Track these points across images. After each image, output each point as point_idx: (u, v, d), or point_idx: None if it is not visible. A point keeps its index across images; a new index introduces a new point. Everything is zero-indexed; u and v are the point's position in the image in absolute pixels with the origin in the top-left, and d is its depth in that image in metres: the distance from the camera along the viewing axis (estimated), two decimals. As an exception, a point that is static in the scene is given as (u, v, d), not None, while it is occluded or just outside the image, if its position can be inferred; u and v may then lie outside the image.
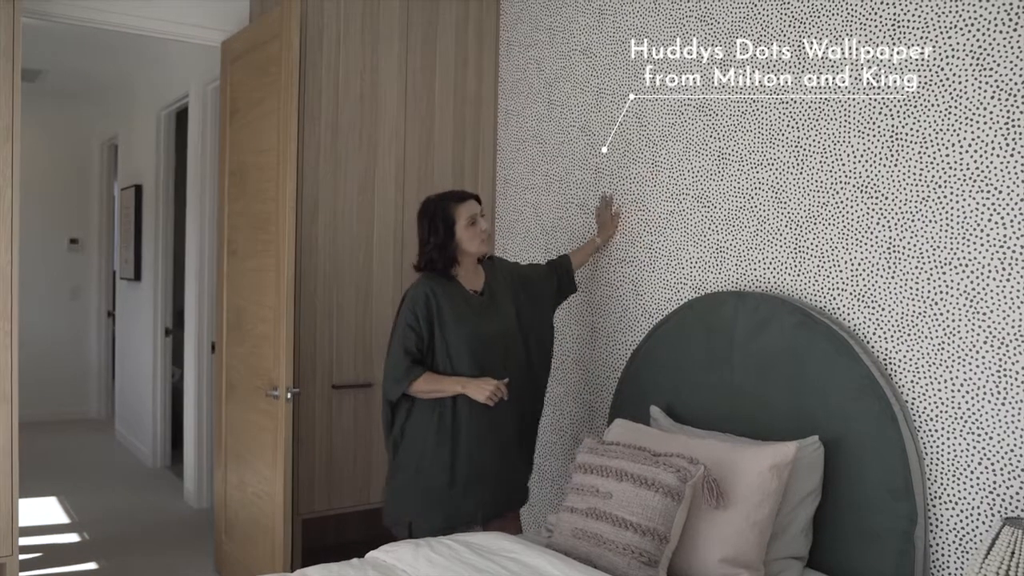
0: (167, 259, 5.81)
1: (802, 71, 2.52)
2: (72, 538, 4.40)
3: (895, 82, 2.27)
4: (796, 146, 2.54)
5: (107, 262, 7.48)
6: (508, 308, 2.84)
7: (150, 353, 5.87)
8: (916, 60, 2.22)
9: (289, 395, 3.09)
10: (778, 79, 2.58)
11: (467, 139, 3.80)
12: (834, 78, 2.43)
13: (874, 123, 2.33)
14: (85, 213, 7.56)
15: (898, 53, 2.27)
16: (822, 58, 2.46)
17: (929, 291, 2.19)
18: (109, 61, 5.95)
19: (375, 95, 3.53)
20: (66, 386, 7.47)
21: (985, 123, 2.07)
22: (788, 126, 2.56)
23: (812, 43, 2.48)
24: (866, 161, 2.35)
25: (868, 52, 2.34)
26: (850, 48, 2.39)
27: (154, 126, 5.84)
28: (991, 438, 2.06)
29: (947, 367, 2.16)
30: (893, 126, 2.28)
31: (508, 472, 2.79)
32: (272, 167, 3.26)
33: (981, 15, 2.08)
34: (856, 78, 2.37)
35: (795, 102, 2.54)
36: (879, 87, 2.31)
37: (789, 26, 2.55)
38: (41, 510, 4.84)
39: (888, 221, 2.29)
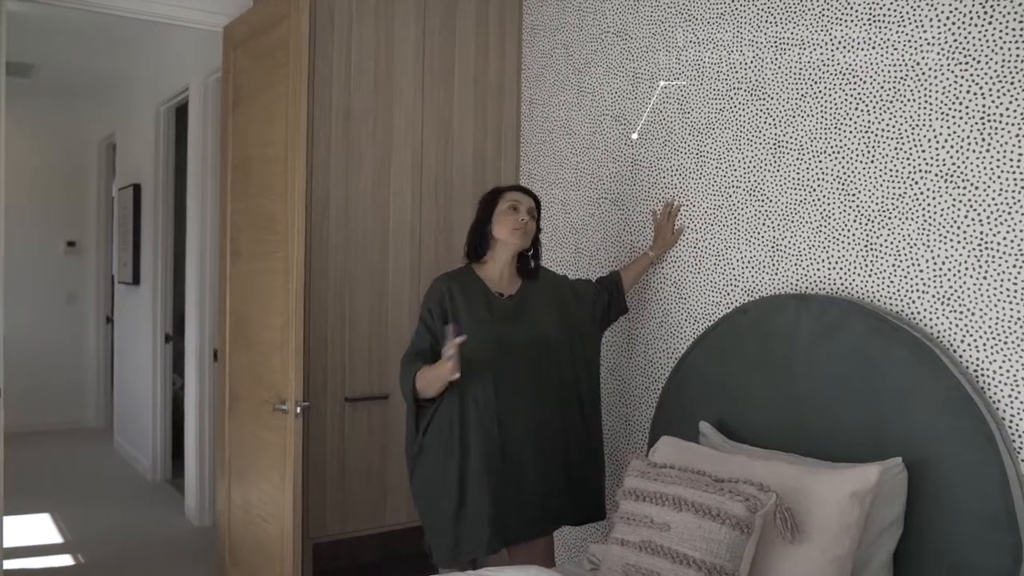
0: (167, 262, 5.55)
1: (873, 47, 2.24)
2: (65, 560, 4.12)
3: (984, 54, 2.00)
4: (866, 131, 2.27)
5: (106, 265, 7.22)
6: (545, 319, 2.59)
7: (149, 360, 5.60)
8: (1014, 27, 1.95)
9: (299, 409, 2.82)
10: (846, 56, 2.31)
11: (488, 131, 3.52)
12: (912, 53, 2.15)
13: (960, 102, 2.05)
14: (82, 215, 7.30)
15: (989, 19, 1.99)
16: (896, 32, 2.19)
17: (1033, 293, 1.92)
18: (105, 54, 5.70)
19: (390, 82, 3.26)
20: (63, 394, 7.20)
21: (1103, 99, 1.80)
22: (857, 109, 2.29)
23: (882, 15, 2.21)
24: (951, 146, 2.08)
25: (952, 20, 2.07)
26: (929, 18, 2.11)
27: (153, 122, 5.58)
28: (1113, 462, 1.79)
29: (1056, 380, 1.88)
30: (984, 105, 2.00)
31: (533, 495, 2.53)
32: (279, 160, 2.99)
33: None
34: (938, 52, 2.10)
35: (864, 81, 2.27)
36: (964, 61, 2.04)
37: (858, -3, 2.28)
38: (32, 528, 4.57)
39: (978, 214, 2.02)
